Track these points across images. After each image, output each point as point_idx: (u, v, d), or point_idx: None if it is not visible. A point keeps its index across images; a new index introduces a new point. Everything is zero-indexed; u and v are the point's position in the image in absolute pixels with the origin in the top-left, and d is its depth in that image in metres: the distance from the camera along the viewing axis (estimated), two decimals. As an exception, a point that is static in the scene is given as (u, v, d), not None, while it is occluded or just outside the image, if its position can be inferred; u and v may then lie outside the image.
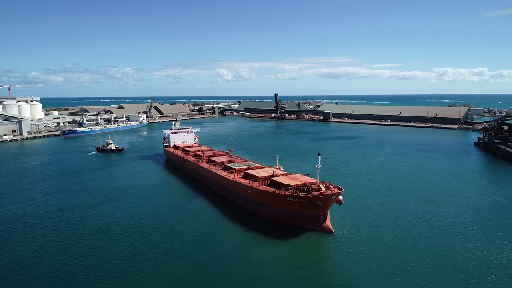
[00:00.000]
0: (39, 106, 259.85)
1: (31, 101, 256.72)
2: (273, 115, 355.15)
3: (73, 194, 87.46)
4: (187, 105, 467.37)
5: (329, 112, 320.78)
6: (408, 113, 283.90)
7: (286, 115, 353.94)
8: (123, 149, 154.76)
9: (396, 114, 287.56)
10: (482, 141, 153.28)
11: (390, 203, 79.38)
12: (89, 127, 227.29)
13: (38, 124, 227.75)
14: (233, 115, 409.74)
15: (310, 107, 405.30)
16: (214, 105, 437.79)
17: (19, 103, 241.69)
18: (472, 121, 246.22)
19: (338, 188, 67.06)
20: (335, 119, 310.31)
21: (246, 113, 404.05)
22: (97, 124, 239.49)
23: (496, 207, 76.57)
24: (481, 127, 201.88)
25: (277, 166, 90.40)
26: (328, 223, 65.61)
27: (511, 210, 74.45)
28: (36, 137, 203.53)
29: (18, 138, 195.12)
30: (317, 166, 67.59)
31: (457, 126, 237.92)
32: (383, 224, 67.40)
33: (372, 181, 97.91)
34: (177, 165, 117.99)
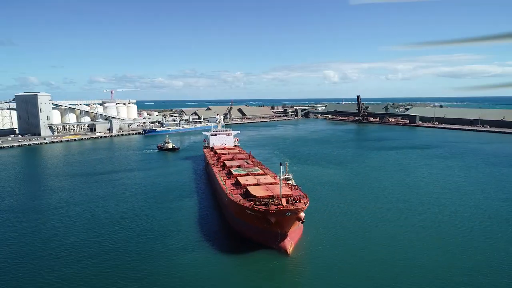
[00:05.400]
0: (134, 107, 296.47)
1: (128, 103, 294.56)
2: (356, 118, 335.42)
3: (94, 188, 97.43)
4: (275, 107, 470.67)
5: (415, 116, 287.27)
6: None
7: (371, 118, 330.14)
8: (178, 148, 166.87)
9: (499, 119, 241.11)
10: None
11: (388, 231, 67.18)
12: (168, 127, 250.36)
13: (130, 124, 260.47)
14: (317, 117, 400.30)
15: (399, 109, 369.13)
16: (298, 108, 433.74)
17: (118, 105, 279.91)
18: None
19: (304, 203, 60.50)
20: (423, 124, 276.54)
21: (329, 115, 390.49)
22: (176, 125, 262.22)
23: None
24: None
25: (286, 174, 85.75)
26: (286, 242, 59.33)
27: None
28: (123, 135, 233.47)
29: (108, 135, 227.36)
30: (279, 177, 62.25)
31: None
32: (355, 259, 56.33)
33: (385, 201, 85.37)
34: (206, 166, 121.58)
